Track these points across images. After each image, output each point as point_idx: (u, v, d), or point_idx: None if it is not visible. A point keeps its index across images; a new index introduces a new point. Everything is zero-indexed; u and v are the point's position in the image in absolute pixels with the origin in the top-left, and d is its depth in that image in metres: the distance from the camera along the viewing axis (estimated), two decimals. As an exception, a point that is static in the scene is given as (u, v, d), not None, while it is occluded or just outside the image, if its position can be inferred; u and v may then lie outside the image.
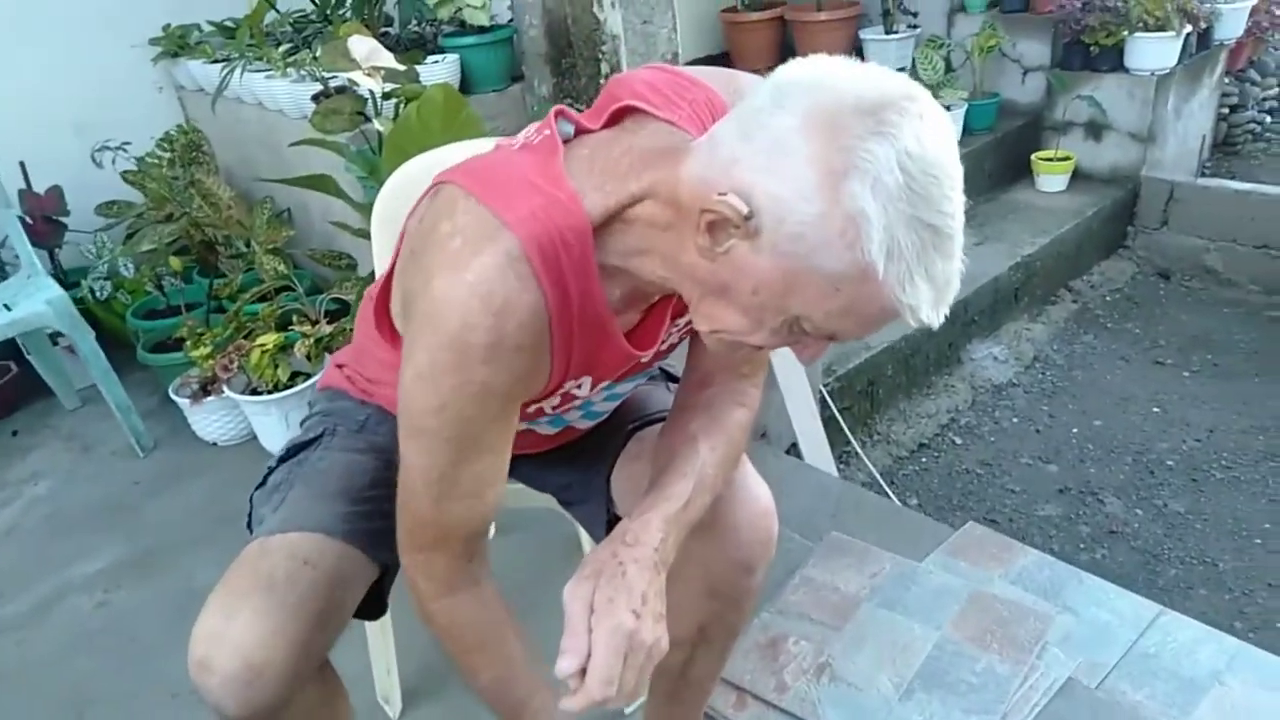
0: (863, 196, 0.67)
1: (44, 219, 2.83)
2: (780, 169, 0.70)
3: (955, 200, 0.70)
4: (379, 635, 1.50)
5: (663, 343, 0.96)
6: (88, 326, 2.34)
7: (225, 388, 2.22)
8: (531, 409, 0.98)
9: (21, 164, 2.82)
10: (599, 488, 1.17)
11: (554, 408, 1.00)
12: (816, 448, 2.44)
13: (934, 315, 0.72)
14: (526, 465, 1.26)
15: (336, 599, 1.02)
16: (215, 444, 2.40)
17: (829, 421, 2.61)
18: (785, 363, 2.37)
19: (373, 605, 1.14)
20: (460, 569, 0.95)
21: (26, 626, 1.88)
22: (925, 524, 2.06)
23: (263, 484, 1.14)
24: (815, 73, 0.72)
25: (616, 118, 0.85)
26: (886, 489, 2.58)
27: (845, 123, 0.68)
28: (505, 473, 0.92)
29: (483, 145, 1.09)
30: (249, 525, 1.10)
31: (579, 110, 0.88)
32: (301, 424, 1.22)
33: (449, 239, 0.78)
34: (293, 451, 1.16)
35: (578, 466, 1.21)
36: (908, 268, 0.69)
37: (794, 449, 2.49)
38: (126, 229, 2.81)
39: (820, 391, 2.62)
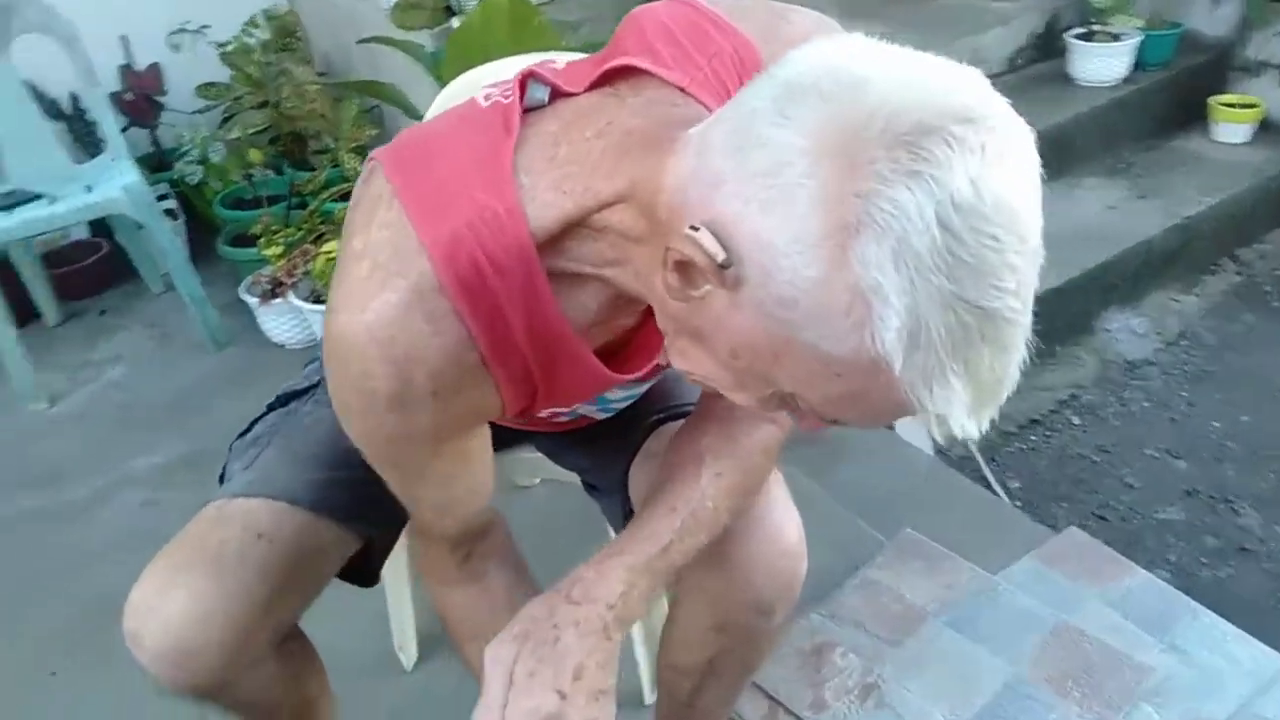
0: (878, 265, 0.49)
1: (143, 97, 2.79)
2: (775, 206, 0.51)
3: (1022, 270, 0.50)
4: (397, 584, 1.42)
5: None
6: (163, 216, 2.31)
7: (291, 293, 2.15)
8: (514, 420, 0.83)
9: (124, 38, 2.78)
10: (618, 480, 1.02)
11: (546, 419, 0.84)
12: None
13: (971, 423, 0.53)
14: (548, 441, 1.13)
15: (299, 575, 0.93)
16: (283, 346, 2.35)
17: (929, 386, 2.37)
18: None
19: (364, 575, 1.04)
20: (453, 565, 0.88)
21: (78, 519, 1.89)
22: (1020, 522, 1.84)
23: (245, 432, 1.04)
24: (841, 67, 0.52)
25: (608, 78, 0.65)
26: (984, 467, 2.34)
27: (868, 153, 0.49)
28: (479, 485, 0.80)
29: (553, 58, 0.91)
30: (221, 478, 1.00)
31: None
32: (305, 366, 1.11)
33: (357, 261, 0.64)
34: (284, 400, 1.05)
35: (598, 452, 1.06)
36: (938, 361, 0.50)
37: (884, 416, 2.27)
38: (223, 113, 2.75)
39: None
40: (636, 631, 1.31)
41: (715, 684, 0.99)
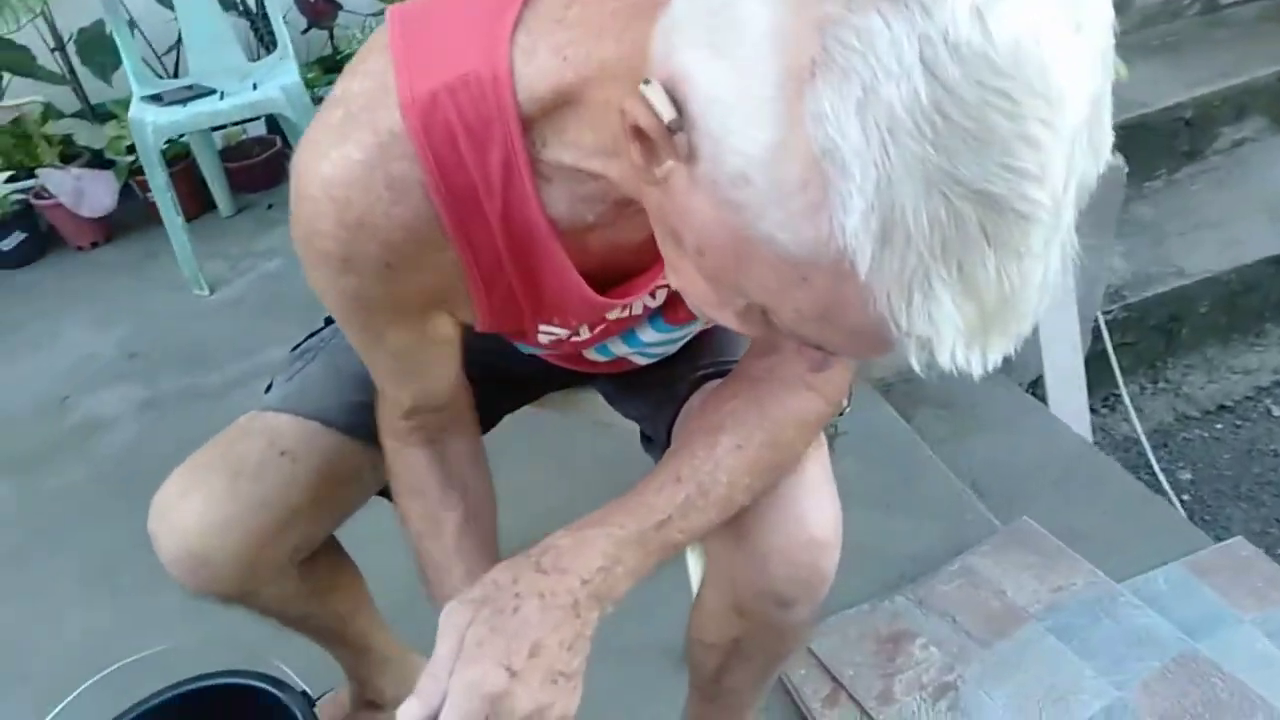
0: (837, 123, 0.37)
1: (323, -1, 2.86)
2: (724, 49, 0.40)
3: (1050, 149, 0.37)
4: None
5: None
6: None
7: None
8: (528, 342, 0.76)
9: (304, -65, 2.84)
10: (666, 434, 0.93)
11: (557, 342, 0.77)
12: (1068, 390, 1.99)
13: (969, 355, 0.40)
14: (607, 384, 1.06)
15: (325, 495, 0.92)
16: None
17: (1097, 357, 2.12)
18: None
19: None
20: (405, 428, 0.83)
21: (219, 400, 2.01)
22: (1176, 523, 1.61)
23: (300, 342, 1.03)
24: None
25: None
26: (1150, 454, 2.08)
27: None
28: (440, 372, 0.78)
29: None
30: (268, 386, 1.00)
31: None
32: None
33: (334, 106, 0.58)
34: None
35: (652, 402, 0.98)
36: (920, 263, 0.38)
37: (1038, 386, 2.05)
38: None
39: (1095, 318, 2.11)
40: (694, 571, 1.23)
41: (741, 666, 0.90)
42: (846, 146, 0.37)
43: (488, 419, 1.13)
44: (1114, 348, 2.12)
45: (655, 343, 0.86)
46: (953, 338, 0.39)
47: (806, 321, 0.45)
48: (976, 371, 0.41)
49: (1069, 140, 0.37)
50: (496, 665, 0.57)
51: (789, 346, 0.75)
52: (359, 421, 0.94)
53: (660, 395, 0.95)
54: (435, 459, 0.85)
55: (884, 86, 0.36)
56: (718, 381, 0.85)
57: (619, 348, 0.87)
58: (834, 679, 1.23)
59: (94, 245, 2.52)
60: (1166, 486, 2.03)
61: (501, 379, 1.05)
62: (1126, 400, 2.11)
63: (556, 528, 0.68)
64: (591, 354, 0.90)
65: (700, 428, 0.72)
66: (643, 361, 0.91)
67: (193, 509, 0.85)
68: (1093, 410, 2.23)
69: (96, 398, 1.98)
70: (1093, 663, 1.20)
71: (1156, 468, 2.05)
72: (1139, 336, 2.20)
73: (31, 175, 2.43)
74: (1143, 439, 2.08)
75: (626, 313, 0.74)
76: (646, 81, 0.43)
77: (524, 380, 1.06)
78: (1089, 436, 2.02)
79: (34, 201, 2.43)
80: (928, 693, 1.20)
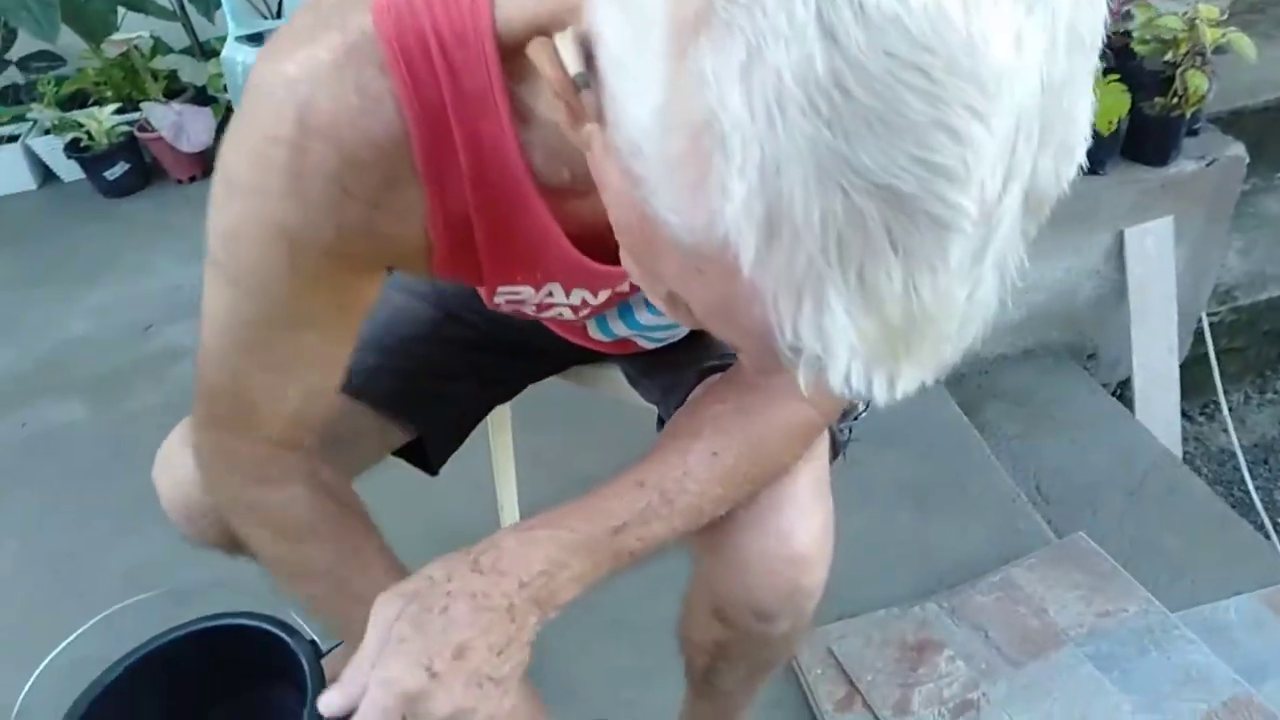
0: (717, 88, 0.31)
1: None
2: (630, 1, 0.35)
3: (981, 143, 0.31)
4: (500, 443, 1.38)
5: None
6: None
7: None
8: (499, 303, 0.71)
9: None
10: (675, 421, 0.90)
11: (517, 304, 0.72)
12: (1158, 394, 1.85)
13: (867, 382, 0.35)
14: (625, 361, 1.02)
15: (327, 456, 0.90)
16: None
17: (1198, 361, 1.97)
18: (1143, 261, 1.76)
19: (426, 461, 1.02)
20: (277, 458, 0.71)
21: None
22: (1261, 551, 1.49)
23: None
24: None
25: None
26: (1245, 471, 1.92)
27: None
28: (337, 362, 0.68)
29: None
30: None
31: None
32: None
33: (304, 10, 0.53)
34: None
35: (661, 387, 0.94)
36: (810, 266, 0.32)
37: (1125, 389, 1.92)
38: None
39: (1200, 318, 1.96)
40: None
41: (729, 669, 0.87)
42: (727, 118, 0.31)
43: (512, 387, 1.12)
44: (1218, 352, 1.96)
45: (654, 326, 0.82)
46: (848, 357, 0.33)
47: (711, 317, 0.39)
48: (881, 399, 0.35)
49: (1007, 135, 0.31)
50: (415, 664, 0.55)
51: None
52: (365, 385, 0.93)
53: (669, 381, 0.91)
54: (320, 489, 0.74)
55: (772, 49, 0.30)
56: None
57: (619, 327, 0.83)
58: (851, 682, 1.19)
59: (192, 179, 2.61)
60: (1260, 508, 1.88)
61: (522, 349, 1.03)
62: (1225, 410, 1.95)
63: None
64: (594, 331, 0.87)
65: (676, 431, 0.68)
66: (647, 345, 0.88)
67: (189, 463, 0.86)
68: (1188, 418, 2.08)
69: (177, 328, 2.06)
70: (1132, 698, 1.12)
71: (1251, 486, 1.90)
72: (1248, 341, 2.03)
73: (137, 109, 2.53)
74: (1239, 453, 1.92)
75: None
76: (562, 31, 0.38)
77: (545, 351, 1.04)
78: (1178, 447, 1.88)
79: (138, 134, 2.52)
80: (947, 708, 1.14)
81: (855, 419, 0.87)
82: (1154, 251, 1.77)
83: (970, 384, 1.90)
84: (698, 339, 0.89)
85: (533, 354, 1.04)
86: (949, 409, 1.67)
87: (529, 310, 0.72)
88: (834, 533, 0.75)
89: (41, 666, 0.96)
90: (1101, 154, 1.67)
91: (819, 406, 0.69)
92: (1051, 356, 1.91)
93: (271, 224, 0.55)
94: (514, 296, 0.68)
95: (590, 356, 1.09)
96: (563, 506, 0.64)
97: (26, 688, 0.95)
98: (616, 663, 1.27)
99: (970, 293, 0.34)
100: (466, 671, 0.56)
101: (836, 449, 0.84)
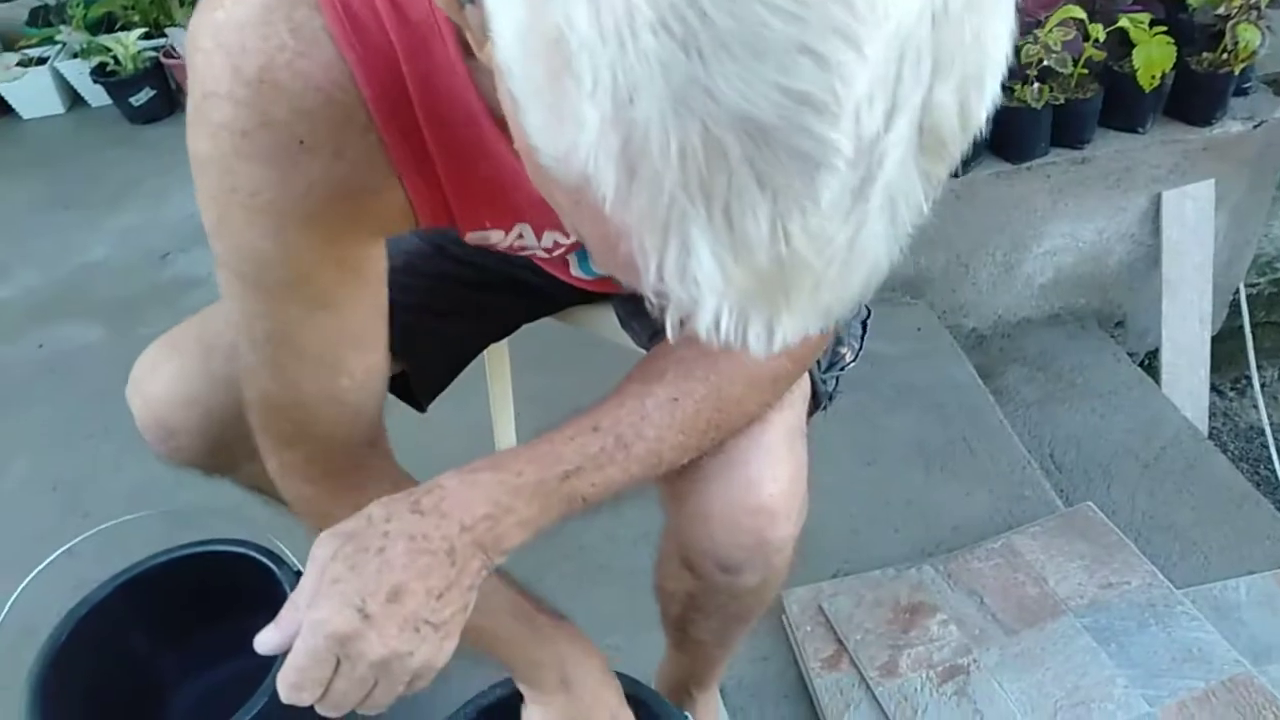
0: (563, 2, 0.29)
1: None
2: None
3: (854, 72, 0.28)
4: (498, 385, 1.37)
5: None
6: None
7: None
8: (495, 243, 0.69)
9: None
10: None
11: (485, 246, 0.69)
12: (1186, 367, 1.79)
13: (738, 329, 0.32)
14: (618, 302, 1.00)
15: None
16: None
17: (1230, 335, 1.90)
18: (1180, 226, 1.69)
19: (411, 399, 1.01)
20: (355, 465, 0.70)
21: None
22: (1278, 527, 1.43)
23: None
24: None
25: None
26: (1273, 448, 1.86)
27: None
28: (372, 340, 0.66)
29: None
30: None
31: None
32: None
33: None
34: None
35: (648, 329, 0.92)
36: (672, 203, 0.30)
37: (1152, 360, 1.86)
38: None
39: (1236, 291, 1.88)
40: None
41: (703, 620, 0.85)
42: (574, 38, 0.28)
43: (505, 326, 1.10)
44: (1253, 325, 1.89)
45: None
46: (716, 302, 0.31)
47: (598, 255, 0.36)
48: (758, 350, 0.32)
49: (887, 64, 0.28)
50: (347, 605, 0.54)
51: None
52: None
53: (656, 324, 0.88)
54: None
55: None
56: None
57: (593, 265, 0.81)
58: (839, 641, 1.17)
59: (217, 108, 2.60)
60: (1286, 487, 1.82)
61: (515, 287, 1.01)
62: (1257, 386, 1.88)
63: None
64: (575, 268, 0.84)
65: (637, 374, 0.66)
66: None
67: (161, 381, 0.85)
68: (1218, 393, 2.02)
69: (193, 256, 2.06)
70: (1128, 672, 1.09)
71: (1278, 464, 1.84)
72: (1287, 316, 1.96)
73: (164, 34, 2.51)
74: (1268, 430, 1.86)
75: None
76: None
77: (538, 290, 1.01)
78: (1204, 422, 1.82)
79: (164, 60, 2.51)
80: (936, 672, 1.12)
81: (841, 369, 0.84)
82: (1192, 217, 1.70)
83: (991, 347, 1.85)
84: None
85: (526, 293, 1.02)
86: (963, 370, 1.63)
87: (503, 249, 0.70)
88: (807, 486, 0.72)
89: (30, 578, 0.97)
90: (1142, 111, 1.60)
91: (791, 354, 0.66)
92: (1078, 322, 1.85)
93: (243, 195, 0.52)
94: (484, 241, 0.66)
95: (585, 297, 1.06)
96: (510, 449, 0.62)
97: (14, 597, 0.96)
98: (603, 609, 1.26)
99: (852, 237, 0.31)
100: (401, 615, 0.54)
101: (818, 400, 0.81)
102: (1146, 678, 1.08)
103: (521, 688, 0.80)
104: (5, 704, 0.97)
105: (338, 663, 0.54)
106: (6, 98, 2.65)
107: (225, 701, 0.93)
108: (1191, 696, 1.06)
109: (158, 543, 1.14)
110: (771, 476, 0.68)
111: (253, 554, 1.09)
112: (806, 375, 0.77)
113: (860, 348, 0.87)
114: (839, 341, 0.84)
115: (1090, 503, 1.31)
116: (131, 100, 2.51)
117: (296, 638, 0.54)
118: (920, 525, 1.34)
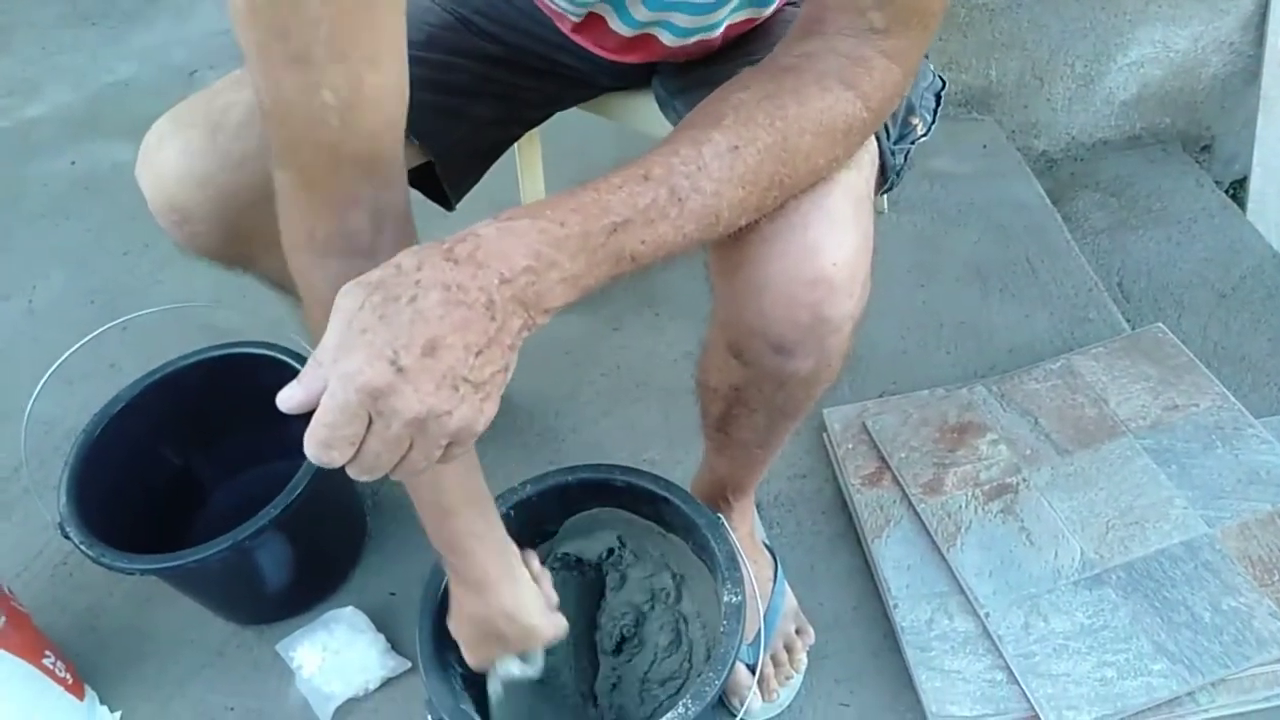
0: None
1: None
2: None
3: None
4: (530, 183, 1.31)
5: None
6: None
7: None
8: None
9: None
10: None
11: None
12: (1276, 197, 1.65)
13: None
14: (659, 84, 0.93)
15: None
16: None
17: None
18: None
19: (439, 196, 0.96)
20: (349, 227, 0.62)
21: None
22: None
23: None
24: None
25: None
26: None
27: None
28: (363, 49, 0.55)
29: None
30: None
31: None
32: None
33: None
34: None
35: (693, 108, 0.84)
36: None
37: (1238, 191, 1.72)
38: None
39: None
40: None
41: (746, 417, 0.81)
42: None
43: (535, 113, 1.02)
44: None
45: (684, 21, 0.71)
46: None
47: None
48: None
49: None
50: (379, 357, 0.48)
51: (836, 24, 0.58)
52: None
53: (705, 96, 0.80)
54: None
55: None
56: None
57: (639, 10, 0.72)
58: (882, 459, 1.13)
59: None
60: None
61: (544, 68, 0.93)
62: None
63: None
64: (616, 23, 0.76)
65: (693, 120, 0.58)
66: (671, 41, 0.77)
67: (169, 158, 0.81)
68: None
69: (219, 74, 1.98)
70: (1188, 493, 1.04)
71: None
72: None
73: None
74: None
75: None
76: None
77: (569, 72, 0.93)
78: (1289, 253, 1.69)
79: None
80: (982, 491, 1.07)
81: (912, 142, 0.75)
82: (1303, 22, 1.53)
83: (1061, 171, 1.72)
84: (738, 48, 0.77)
85: (556, 75, 0.94)
86: (1030, 189, 1.52)
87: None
88: (870, 263, 0.66)
89: (55, 366, 0.95)
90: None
91: (865, 97, 0.58)
92: (1159, 145, 1.71)
93: None
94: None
95: (620, 80, 0.98)
96: (552, 197, 0.54)
97: (37, 391, 0.95)
98: (640, 425, 1.23)
99: None
100: (438, 371, 0.49)
101: (886, 175, 0.74)
102: (1207, 499, 1.03)
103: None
104: (48, 500, 0.98)
105: (370, 421, 0.50)
106: (27, -90, 2.53)
107: (262, 505, 0.93)
108: (1255, 518, 1.01)
109: (186, 348, 1.13)
110: (835, 243, 0.61)
111: (284, 357, 1.07)
112: (874, 141, 0.69)
113: (933, 121, 0.78)
114: (910, 110, 0.76)
115: (1161, 324, 1.22)
116: (153, -90, 2.38)
117: (323, 394, 0.50)
118: (973, 347, 1.27)
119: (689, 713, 0.73)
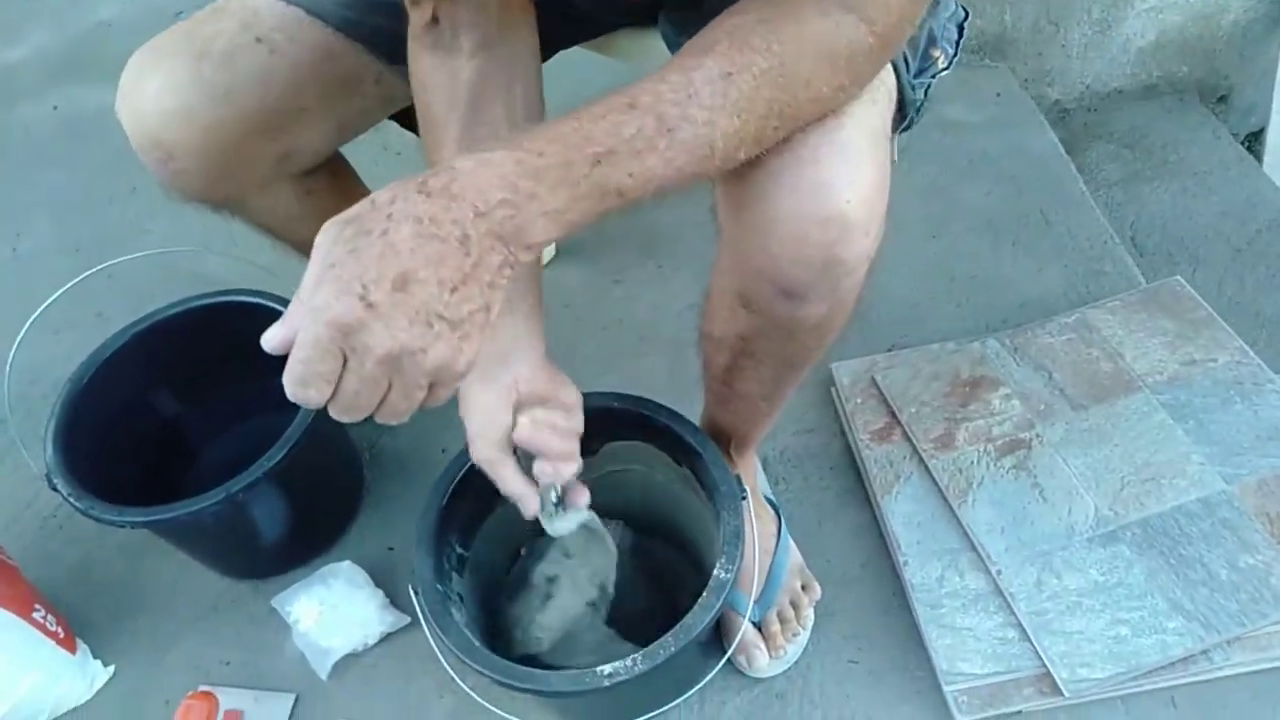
0: None
1: None
2: None
3: None
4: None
5: None
6: None
7: None
8: None
9: None
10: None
11: None
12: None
13: None
14: (665, 22, 0.88)
15: (311, 99, 0.83)
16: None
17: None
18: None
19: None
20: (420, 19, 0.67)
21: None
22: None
23: None
24: None
25: None
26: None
27: None
28: None
29: None
30: None
31: None
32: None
33: None
34: None
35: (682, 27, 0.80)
36: None
37: (1254, 143, 1.68)
38: None
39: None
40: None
41: (751, 368, 0.78)
42: None
43: (542, 53, 0.97)
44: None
45: None
46: None
47: None
48: None
49: None
50: (347, 292, 0.46)
51: None
52: (357, 20, 0.82)
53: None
54: (448, 74, 0.69)
55: None
56: None
57: None
58: (892, 413, 1.10)
59: None
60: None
61: (557, 7, 0.88)
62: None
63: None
64: None
65: (686, 49, 0.54)
66: None
67: (150, 92, 0.77)
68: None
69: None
70: (1205, 449, 1.01)
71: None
72: None
73: None
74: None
75: None
76: None
77: (571, 9, 0.89)
78: (1305, 207, 1.66)
79: None
80: (994, 446, 1.05)
81: (933, 76, 0.71)
82: (1329, -34, 1.47)
83: (1074, 121, 1.68)
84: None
85: (573, 16, 0.89)
86: (1044, 139, 1.48)
87: None
88: (888, 202, 0.62)
89: (34, 317, 0.92)
90: None
91: (869, 20, 0.54)
92: (1176, 94, 1.67)
93: None
94: None
95: (624, 20, 0.94)
96: (532, 128, 0.51)
97: (19, 338, 0.92)
98: (642, 379, 1.20)
99: None
100: (411, 307, 0.46)
101: (904, 112, 0.70)
102: (1225, 455, 1.00)
103: None
104: (35, 452, 0.95)
105: (345, 360, 0.47)
106: None
107: (254, 459, 0.90)
108: (1274, 475, 0.98)
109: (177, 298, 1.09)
110: (848, 180, 0.58)
111: (276, 305, 1.04)
112: (893, 73, 0.65)
113: (955, 54, 0.74)
114: (932, 42, 0.72)
115: (1179, 277, 1.19)
116: None
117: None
118: (985, 300, 1.24)
119: (636, 666, 0.69)
